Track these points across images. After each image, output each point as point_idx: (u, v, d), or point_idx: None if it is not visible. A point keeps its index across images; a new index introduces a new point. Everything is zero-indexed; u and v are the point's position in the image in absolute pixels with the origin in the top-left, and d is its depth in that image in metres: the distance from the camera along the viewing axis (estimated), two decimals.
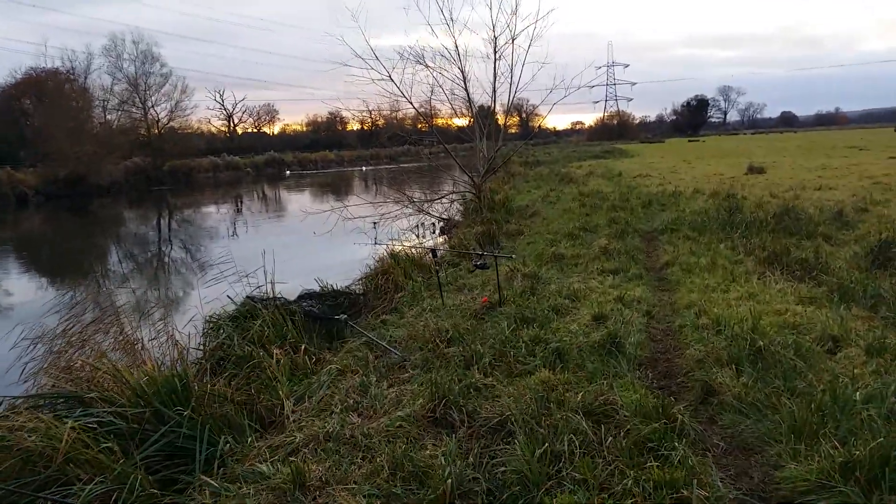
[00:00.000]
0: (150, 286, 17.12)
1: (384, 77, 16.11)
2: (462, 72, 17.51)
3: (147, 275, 19.42)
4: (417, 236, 18.87)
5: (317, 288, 9.03)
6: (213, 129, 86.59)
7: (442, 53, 17.43)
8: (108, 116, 64.11)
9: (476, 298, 8.08)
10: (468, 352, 5.76)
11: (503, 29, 17.64)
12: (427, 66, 17.06)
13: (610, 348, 5.77)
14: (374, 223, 17.85)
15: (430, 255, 8.92)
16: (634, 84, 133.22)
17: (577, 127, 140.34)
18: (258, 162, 76.92)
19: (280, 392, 5.76)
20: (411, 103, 17.00)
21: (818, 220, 11.81)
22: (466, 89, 17.83)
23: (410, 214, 18.61)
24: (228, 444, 4.97)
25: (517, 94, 18.09)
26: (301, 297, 8.65)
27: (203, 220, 36.34)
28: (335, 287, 9.15)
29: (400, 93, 16.51)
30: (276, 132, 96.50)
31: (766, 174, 24.19)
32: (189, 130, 74.09)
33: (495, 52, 17.52)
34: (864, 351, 5.55)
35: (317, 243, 15.83)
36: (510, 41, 17.48)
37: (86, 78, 59.07)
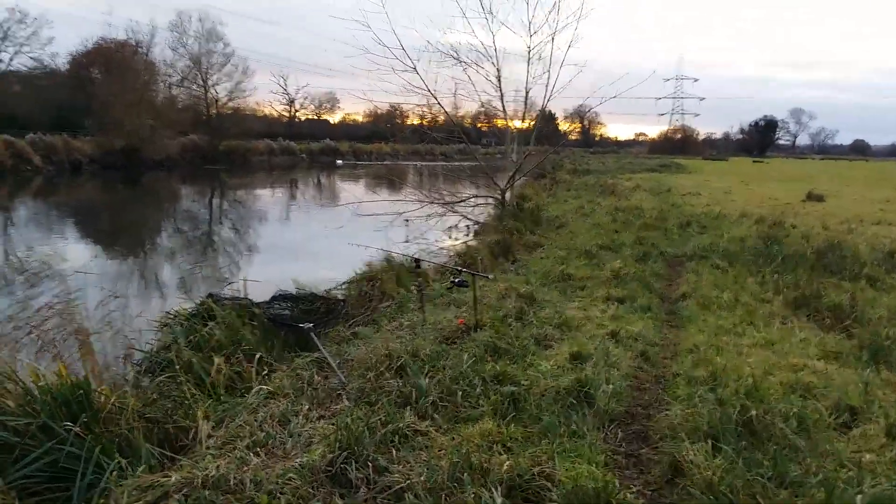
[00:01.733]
0: (141, 266, 16.79)
1: (409, 68, 15.29)
2: (498, 70, 16.63)
3: (155, 253, 19.20)
4: (450, 237, 18.20)
5: (293, 289, 8.33)
6: (274, 113, 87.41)
7: (476, 49, 16.55)
8: (172, 92, 65.13)
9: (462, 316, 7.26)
10: (408, 387, 4.95)
11: (541, 24, 16.73)
12: (461, 61, 16.19)
13: (577, 398, 4.90)
14: (406, 221, 17.23)
15: (413, 264, 8.12)
16: (702, 99, 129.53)
17: (640, 138, 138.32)
18: (314, 149, 77.31)
19: (198, 412, 5.06)
20: (436, 98, 16.19)
21: (866, 259, 10.62)
22: (501, 89, 16.93)
23: (443, 214, 17.88)
24: (115, 472, 4.30)
25: (552, 98, 17.04)
26: (274, 299, 7.97)
27: (252, 202, 36.39)
28: (314, 290, 8.43)
29: (424, 86, 15.66)
30: (336, 121, 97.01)
31: (824, 203, 22.71)
32: (248, 112, 74.75)
33: (529, 52, 16.61)
34: (884, 431, 4.58)
35: (350, 237, 15.04)
36: (550, 39, 16.55)
37: (148, 51, 59.95)
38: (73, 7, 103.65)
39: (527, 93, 17.10)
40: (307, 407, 5.03)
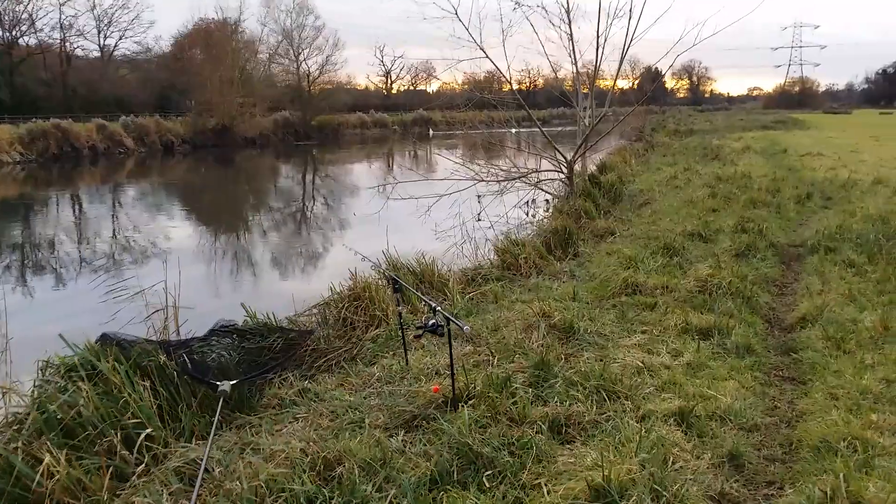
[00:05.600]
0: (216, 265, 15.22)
1: (448, 14, 12.66)
2: (567, 10, 13.73)
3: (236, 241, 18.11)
4: (527, 214, 15.76)
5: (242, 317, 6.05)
6: (371, 85, 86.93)
7: None
8: (268, 68, 64.81)
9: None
10: None
11: None
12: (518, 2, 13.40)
13: None
14: (479, 196, 14.91)
15: (391, 286, 5.71)
16: (824, 47, 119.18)
17: (754, 93, 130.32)
18: (406, 120, 75.99)
19: None
20: (482, 50, 13.49)
21: None
22: (571, 35, 14.00)
23: (502, 192, 15.35)
24: None
25: (632, 43, 13.94)
26: (212, 332, 5.73)
27: (345, 177, 35.26)
28: (272, 318, 6.10)
29: (469, 36, 13.03)
30: (434, 90, 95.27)
31: None
32: (347, 85, 74.12)
33: None
34: None
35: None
36: None
37: (235, 28, 59.98)
38: None
39: (598, 40, 14.02)
40: None
